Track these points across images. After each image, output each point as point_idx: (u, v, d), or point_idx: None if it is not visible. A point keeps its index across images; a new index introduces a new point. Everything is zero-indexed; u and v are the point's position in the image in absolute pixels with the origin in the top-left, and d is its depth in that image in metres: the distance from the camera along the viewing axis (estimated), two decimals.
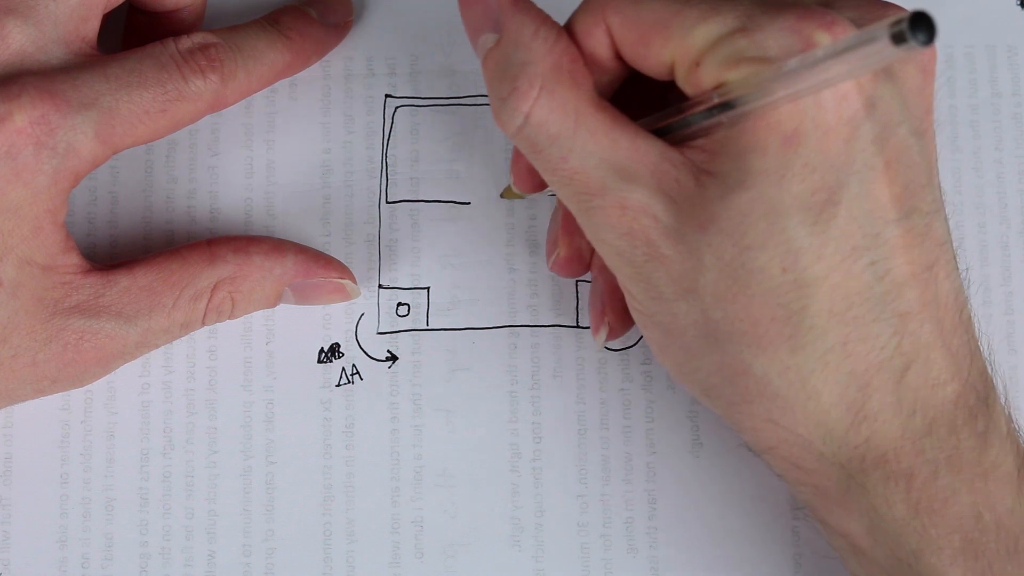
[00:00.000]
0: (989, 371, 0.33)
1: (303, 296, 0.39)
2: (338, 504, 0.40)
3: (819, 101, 0.29)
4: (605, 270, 0.36)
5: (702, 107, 0.31)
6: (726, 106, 0.30)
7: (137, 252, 0.41)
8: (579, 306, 0.41)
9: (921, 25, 0.25)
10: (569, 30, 0.33)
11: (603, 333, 0.38)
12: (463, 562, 0.40)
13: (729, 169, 0.30)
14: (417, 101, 0.42)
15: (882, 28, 0.25)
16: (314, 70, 0.41)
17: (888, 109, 0.30)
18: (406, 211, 0.41)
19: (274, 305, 0.39)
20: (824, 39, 0.30)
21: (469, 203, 0.41)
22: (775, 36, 0.30)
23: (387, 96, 0.42)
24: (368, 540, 0.40)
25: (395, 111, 0.41)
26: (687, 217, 0.31)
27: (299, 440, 0.40)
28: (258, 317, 0.40)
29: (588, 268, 0.38)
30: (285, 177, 0.41)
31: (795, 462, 0.32)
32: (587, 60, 0.33)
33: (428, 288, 0.41)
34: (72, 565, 0.39)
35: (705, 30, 0.30)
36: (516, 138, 0.32)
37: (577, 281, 0.41)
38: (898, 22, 0.25)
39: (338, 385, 0.40)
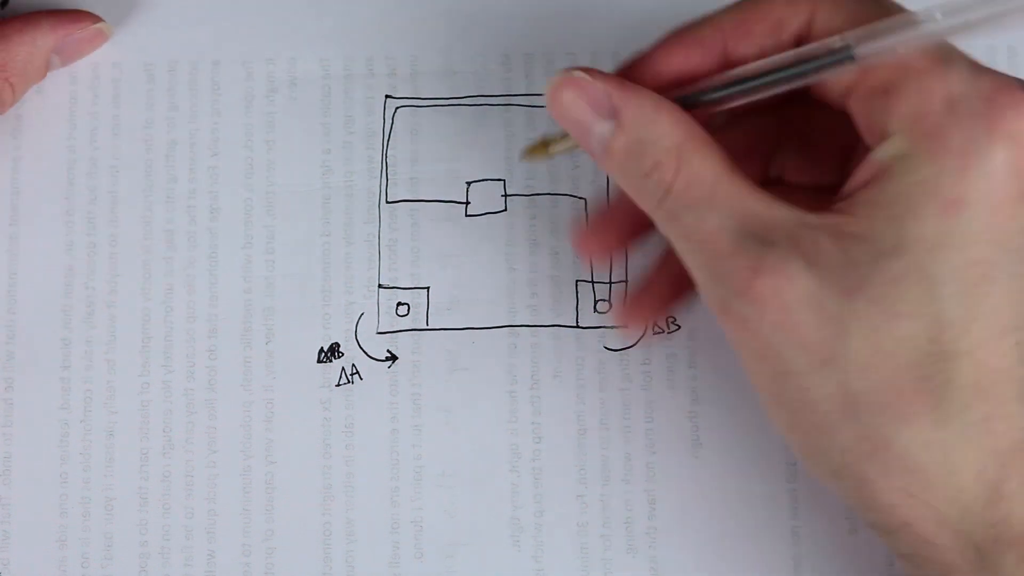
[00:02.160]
0: None
1: (68, 55, 0.41)
2: (338, 504, 0.40)
3: (992, 173, 0.29)
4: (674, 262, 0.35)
5: (823, 50, 0.30)
6: (841, 51, 0.30)
7: (137, 252, 0.41)
8: (579, 306, 0.41)
9: None
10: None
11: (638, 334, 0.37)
12: (463, 562, 0.40)
13: (881, 233, 0.30)
14: (417, 101, 0.42)
15: None
16: (314, 70, 0.42)
17: None
18: (406, 211, 0.41)
19: (44, 76, 0.40)
20: (1017, 109, 0.29)
21: (469, 203, 0.41)
22: (968, 83, 0.30)
23: (387, 96, 0.42)
24: (368, 540, 0.40)
25: (395, 111, 0.41)
26: (829, 282, 0.30)
27: (299, 440, 0.40)
28: (258, 317, 0.40)
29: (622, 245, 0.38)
30: (285, 177, 0.41)
31: (929, 539, 0.32)
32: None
33: (428, 288, 0.41)
34: (72, 565, 0.39)
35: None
36: (658, 210, 0.33)
37: (577, 281, 0.41)
38: None
39: (338, 385, 0.40)
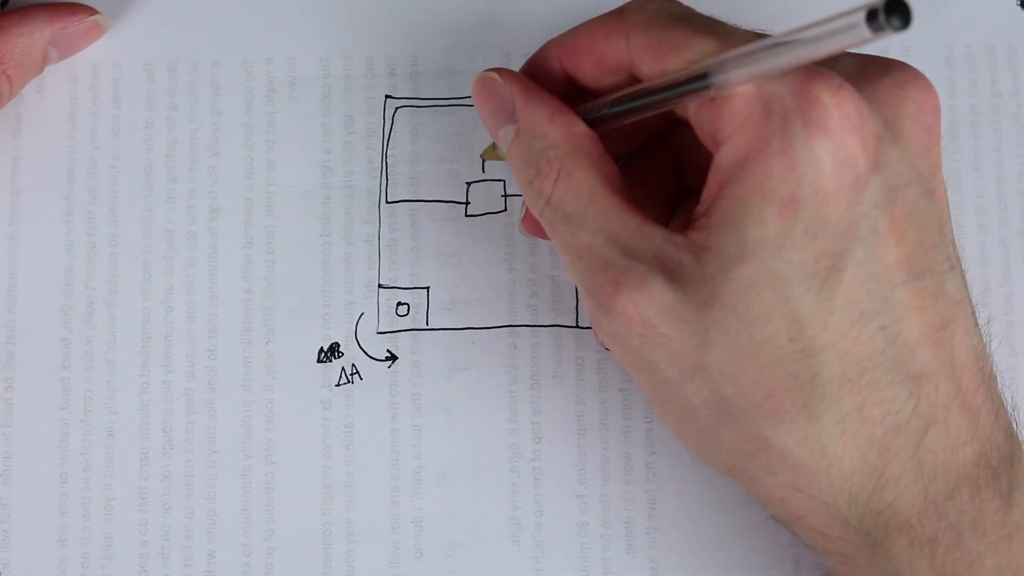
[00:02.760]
0: (1014, 428, 0.32)
1: (65, 48, 0.41)
2: (338, 504, 0.40)
3: (817, 166, 0.29)
4: None
5: (677, 78, 0.31)
6: (701, 79, 0.30)
7: (137, 252, 0.41)
8: (579, 306, 0.41)
9: (896, 10, 0.25)
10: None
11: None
12: (463, 562, 0.40)
13: (727, 242, 0.30)
14: (417, 102, 0.42)
15: (859, 12, 0.25)
16: (314, 70, 0.42)
17: (894, 171, 0.30)
18: (406, 211, 0.41)
19: (42, 70, 0.40)
20: (828, 98, 0.29)
21: (469, 203, 0.41)
22: (779, 82, 0.30)
23: (387, 97, 0.42)
24: (368, 540, 0.40)
25: (395, 111, 0.42)
26: (688, 295, 0.31)
27: (299, 440, 0.40)
28: (258, 317, 0.41)
29: None
30: (285, 177, 0.41)
31: (822, 530, 0.32)
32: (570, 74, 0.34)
33: (428, 288, 0.41)
34: (72, 565, 0.39)
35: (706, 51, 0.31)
36: (541, 218, 0.34)
37: None
38: (873, 6, 0.25)
39: (338, 385, 0.40)
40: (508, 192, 0.41)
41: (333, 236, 0.41)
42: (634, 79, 0.33)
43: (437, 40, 0.42)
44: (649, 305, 0.31)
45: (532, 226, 0.38)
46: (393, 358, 0.40)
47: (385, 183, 0.41)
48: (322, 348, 0.40)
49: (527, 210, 0.38)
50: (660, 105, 0.32)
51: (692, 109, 0.32)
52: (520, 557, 0.40)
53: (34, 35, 0.40)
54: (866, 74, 0.31)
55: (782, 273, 0.30)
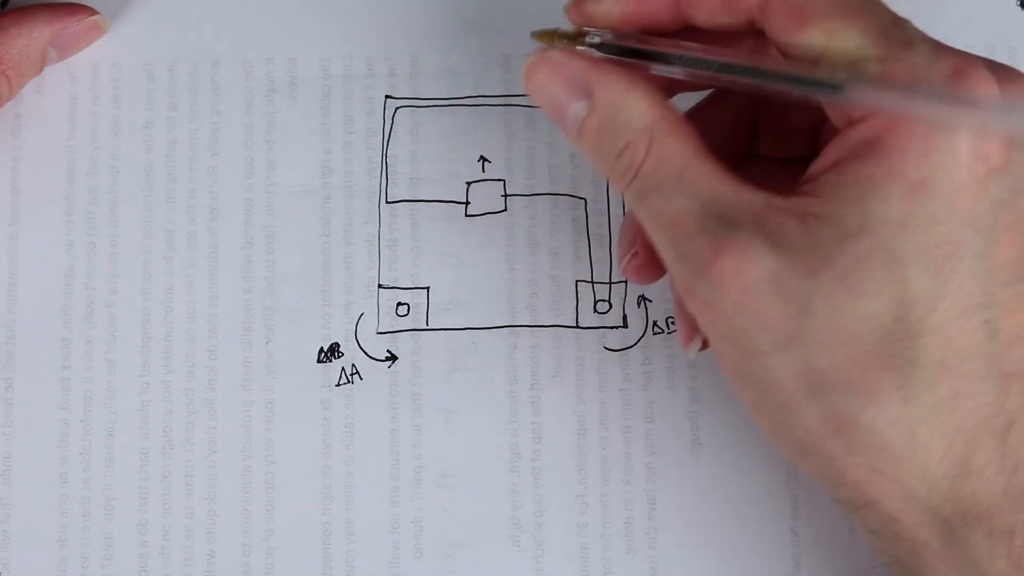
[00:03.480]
0: None
1: (64, 48, 0.41)
2: (338, 504, 0.40)
3: (956, 157, 0.30)
4: None
5: (809, 74, 0.30)
6: (834, 87, 0.30)
7: (137, 252, 0.41)
8: (578, 306, 0.41)
9: None
10: None
11: (697, 343, 0.36)
12: (463, 562, 0.40)
13: (847, 214, 0.30)
14: (417, 101, 0.42)
15: None
16: (314, 70, 0.42)
17: (1019, 174, 0.31)
18: (406, 211, 0.41)
19: (41, 70, 0.41)
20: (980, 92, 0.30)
21: (469, 203, 0.41)
22: (930, 69, 0.30)
23: (387, 97, 0.42)
24: (368, 540, 0.40)
25: (395, 111, 0.41)
26: (792, 262, 0.30)
27: (299, 440, 0.40)
28: (258, 317, 0.41)
29: (664, 271, 0.37)
30: (285, 177, 0.41)
31: (896, 516, 0.32)
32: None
33: (428, 288, 0.41)
34: (72, 565, 0.39)
35: (863, 24, 0.30)
36: (628, 191, 0.33)
37: (577, 281, 0.41)
38: None
39: (338, 385, 0.40)
40: (508, 192, 0.41)
41: (333, 236, 0.41)
42: (750, 28, 0.32)
43: (437, 40, 0.42)
44: (751, 271, 0.30)
45: (643, 268, 0.36)
46: (393, 358, 0.40)
47: (385, 183, 0.41)
48: (322, 348, 0.40)
49: (630, 256, 0.37)
50: (773, 86, 0.31)
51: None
52: (520, 557, 0.40)
53: (33, 35, 0.40)
54: (996, 76, 0.31)
55: (900, 252, 0.30)
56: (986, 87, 0.30)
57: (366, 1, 0.42)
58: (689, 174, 0.32)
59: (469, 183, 0.41)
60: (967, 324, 0.30)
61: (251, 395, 0.40)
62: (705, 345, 0.36)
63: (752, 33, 0.33)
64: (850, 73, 0.30)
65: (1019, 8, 0.42)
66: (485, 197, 0.41)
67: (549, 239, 0.41)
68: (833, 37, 0.31)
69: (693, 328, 0.35)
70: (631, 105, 0.32)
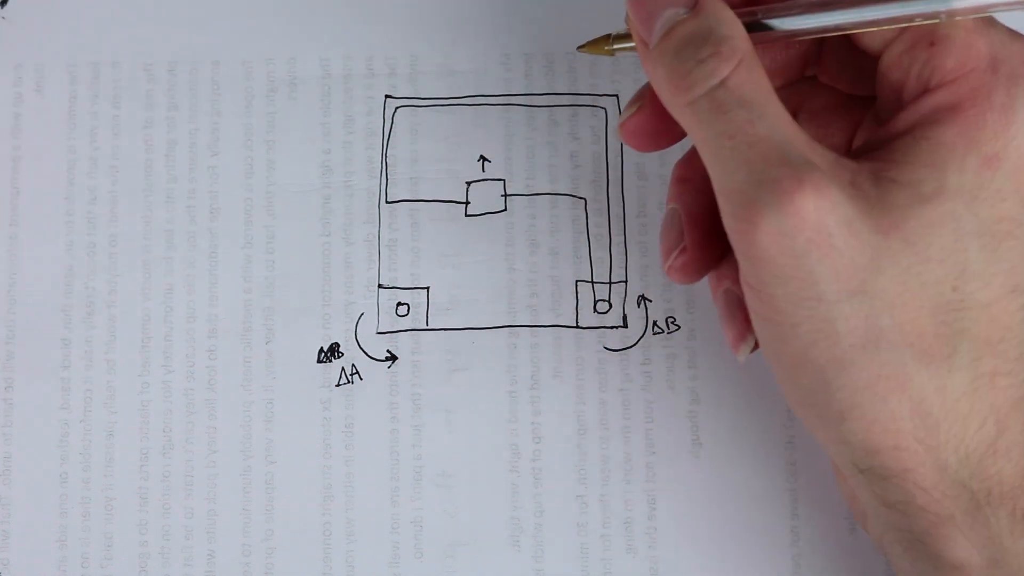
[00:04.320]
0: None
1: None
2: (337, 504, 0.40)
3: None
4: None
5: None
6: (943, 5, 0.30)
7: (137, 252, 0.41)
8: (578, 306, 0.41)
9: None
10: None
11: (749, 343, 0.35)
12: (463, 562, 0.40)
13: (924, 179, 0.30)
14: (417, 101, 0.42)
15: None
16: (314, 70, 0.42)
17: None
18: (406, 211, 0.41)
19: None
20: None
21: (469, 203, 0.41)
22: (1010, 45, 0.31)
23: (387, 96, 0.42)
24: (367, 540, 0.40)
25: (395, 111, 0.42)
26: (867, 216, 0.30)
27: (299, 440, 0.40)
28: (258, 317, 0.40)
29: (713, 267, 0.36)
30: (285, 177, 0.41)
31: (927, 487, 0.31)
32: None
33: (428, 288, 0.41)
34: (72, 565, 0.40)
35: None
36: (702, 99, 0.31)
37: (577, 281, 0.41)
38: None
39: (338, 385, 0.40)
40: (508, 192, 0.41)
41: (333, 236, 0.41)
42: None
43: (437, 40, 0.42)
44: (830, 211, 0.30)
45: (691, 266, 0.35)
46: (393, 358, 0.40)
47: (385, 183, 0.41)
48: (322, 348, 0.40)
49: (634, 111, 0.35)
50: (867, 25, 0.31)
51: (896, 47, 0.32)
52: (520, 557, 0.40)
53: None
54: None
55: (967, 223, 0.30)
56: None
57: (366, 1, 0.42)
58: (773, 104, 0.31)
59: (469, 183, 0.41)
60: (1011, 304, 0.31)
61: (251, 395, 0.40)
62: (756, 347, 0.34)
63: None
64: None
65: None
66: (485, 197, 0.41)
67: (549, 239, 0.41)
68: None
69: (745, 327, 0.34)
70: (734, 26, 0.32)
